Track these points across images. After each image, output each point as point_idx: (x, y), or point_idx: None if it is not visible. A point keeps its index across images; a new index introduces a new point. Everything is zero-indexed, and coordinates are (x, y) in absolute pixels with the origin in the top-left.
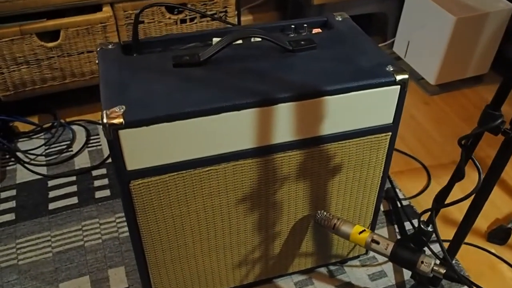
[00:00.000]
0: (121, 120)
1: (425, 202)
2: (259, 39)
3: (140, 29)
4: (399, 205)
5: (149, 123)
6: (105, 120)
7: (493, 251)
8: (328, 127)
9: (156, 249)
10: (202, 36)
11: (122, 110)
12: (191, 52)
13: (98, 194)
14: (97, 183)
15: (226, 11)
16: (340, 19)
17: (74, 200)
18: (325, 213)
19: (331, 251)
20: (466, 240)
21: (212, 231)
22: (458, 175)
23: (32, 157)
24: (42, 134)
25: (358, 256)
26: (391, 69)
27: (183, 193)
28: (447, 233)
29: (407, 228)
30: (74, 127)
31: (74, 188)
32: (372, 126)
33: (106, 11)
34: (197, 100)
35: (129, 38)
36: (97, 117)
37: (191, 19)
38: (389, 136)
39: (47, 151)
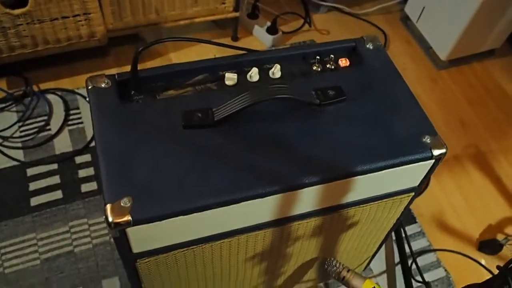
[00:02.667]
0: (129, 218)
1: (424, 205)
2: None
3: None
4: None
5: (161, 219)
6: (110, 219)
7: (482, 261)
8: (352, 196)
9: None
10: (212, 68)
11: (128, 204)
12: (202, 106)
13: (85, 188)
14: (82, 173)
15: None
16: (371, 47)
17: (58, 194)
18: (334, 261)
19: None
20: (457, 249)
21: (219, 283)
22: None
23: (6, 136)
24: (14, 105)
25: None
26: (428, 141)
27: (192, 263)
28: (439, 241)
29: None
30: (50, 97)
31: (56, 179)
32: (397, 190)
33: None
34: (215, 187)
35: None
36: (75, 84)
37: None
38: (412, 195)
39: (21, 129)
